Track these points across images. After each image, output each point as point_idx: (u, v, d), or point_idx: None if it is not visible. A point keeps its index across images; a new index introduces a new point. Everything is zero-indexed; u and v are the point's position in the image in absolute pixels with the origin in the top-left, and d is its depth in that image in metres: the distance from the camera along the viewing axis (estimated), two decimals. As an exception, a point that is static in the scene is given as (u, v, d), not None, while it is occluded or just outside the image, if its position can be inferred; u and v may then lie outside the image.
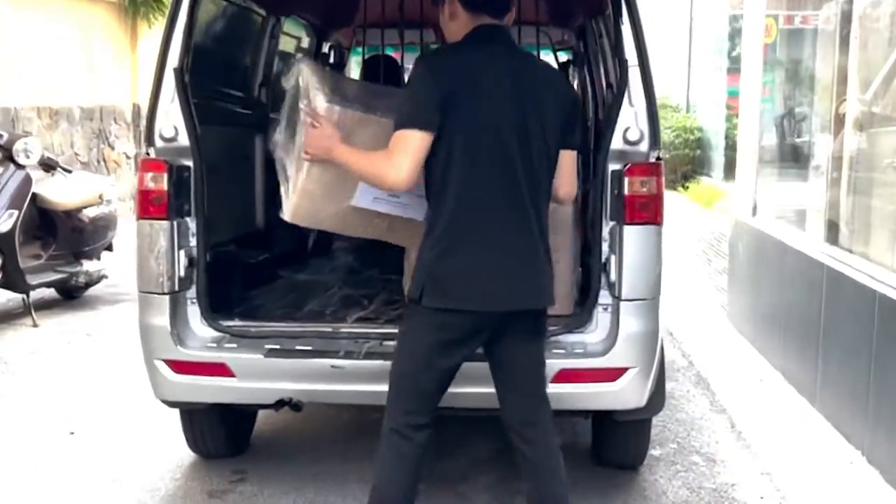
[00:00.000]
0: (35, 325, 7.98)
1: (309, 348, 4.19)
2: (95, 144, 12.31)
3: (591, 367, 4.08)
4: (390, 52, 7.08)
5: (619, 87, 4.14)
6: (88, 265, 8.69)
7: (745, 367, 6.67)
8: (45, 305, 8.71)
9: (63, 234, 8.45)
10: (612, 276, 4.10)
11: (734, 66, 12.72)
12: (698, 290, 9.12)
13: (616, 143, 4.12)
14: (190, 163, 4.23)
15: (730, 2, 13.19)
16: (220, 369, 4.16)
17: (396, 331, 3.86)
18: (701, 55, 15.89)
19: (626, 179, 4.06)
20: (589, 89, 6.60)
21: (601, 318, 4.18)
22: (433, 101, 3.20)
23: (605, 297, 4.17)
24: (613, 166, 4.13)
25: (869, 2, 5.54)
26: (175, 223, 4.17)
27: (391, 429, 3.47)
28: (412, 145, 3.21)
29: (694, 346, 7.27)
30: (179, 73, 4.21)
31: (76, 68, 11.87)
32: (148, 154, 4.26)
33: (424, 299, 3.31)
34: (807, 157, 6.79)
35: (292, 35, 6.53)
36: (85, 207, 8.62)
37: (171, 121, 4.21)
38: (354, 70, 8.33)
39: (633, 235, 4.06)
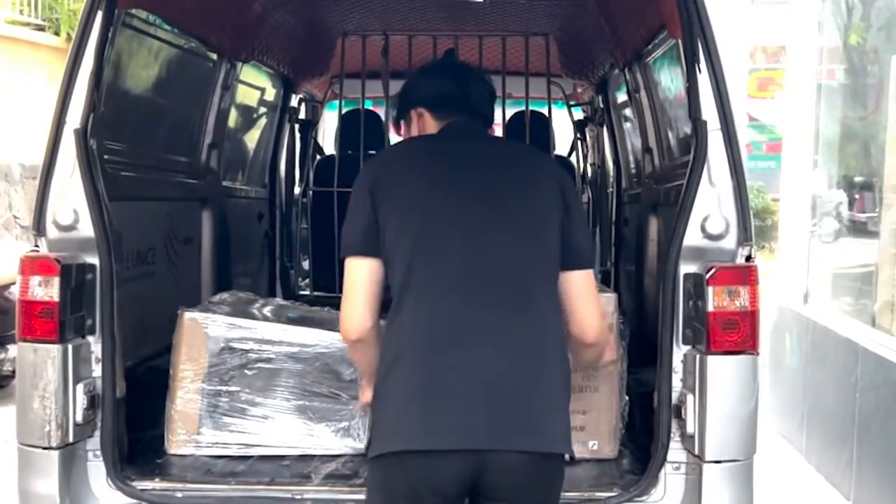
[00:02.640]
0: (-54, 426, 6.74)
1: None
2: (40, 206, 11.10)
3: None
4: (370, 107, 6.00)
5: (696, 160, 2.99)
6: (16, 351, 7.44)
7: (803, 491, 5.54)
8: (-36, 398, 7.48)
9: (-15, 317, 7.30)
10: (690, 426, 2.94)
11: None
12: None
13: (692, 236, 2.99)
14: (95, 260, 3.09)
15: (749, 54, 12.23)
16: (127, 558, 2.93)
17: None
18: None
19: (710, 290, 2.89)
20: (610, 156, 5.53)
21: (672, 481, 3.02)
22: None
23: (677, 453, 2.99)
24: (687, 268, 3.00)
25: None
26: (70, 347, 3.02)
27: None
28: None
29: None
30: (82, 135, 3.07)
31: (15, 120, 10.68)
32: (36, 248, 3.07)
33: (371, 449, 2.54)
34: (873, 232, 5.66)
35: (254, 85, 5.36)
36: (12, 284, 7.38)
37: (70, 202, 3.07)
38: (329, 128, 7.17)
39: (720, 369, 2.92)
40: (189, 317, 3.42)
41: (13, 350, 7.38)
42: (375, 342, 2.56)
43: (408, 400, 2.43)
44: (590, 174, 6.08)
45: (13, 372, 7.52)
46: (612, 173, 5.70)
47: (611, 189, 5.73)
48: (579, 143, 6.11)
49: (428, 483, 2.39)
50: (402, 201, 2.55)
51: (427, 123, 2.79)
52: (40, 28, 11.39)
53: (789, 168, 6.36)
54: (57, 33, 11.42)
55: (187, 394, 3.39)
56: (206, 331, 3.41)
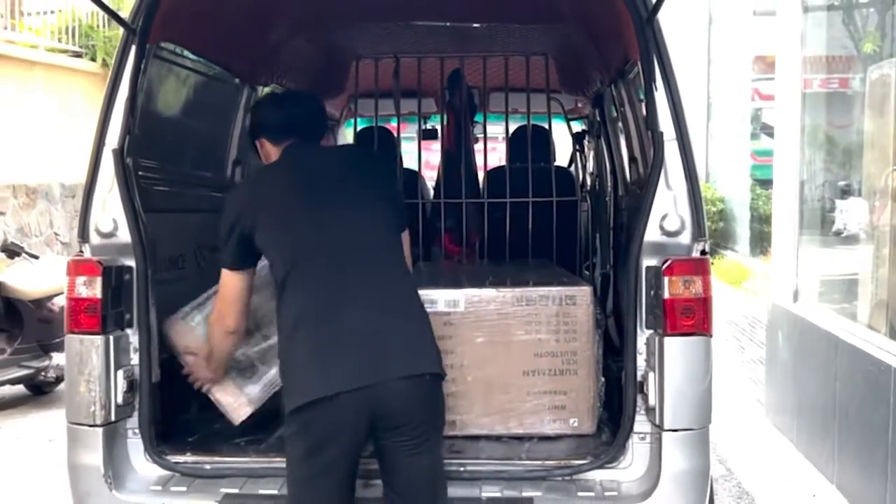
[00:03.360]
0: (-7, 429, 7.23)
1: (275, 492, 3.37)
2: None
3: (627, 514, 3.30)
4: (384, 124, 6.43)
5: (654, 166, 3.39)
6: (59, 358, 7.89)
7: (792, 477, 5.85)
8: (10, 403, 7.98)
9: (30, 326, 7.76)
10: (652, 400, 3.33)
11: (763, 132, 12.06)
12: (731, 381, 8.27)
13: (651, 233, 3.40)
14: (132, 262, 3.51)
15: (753, 64, 12.55)
16: (164, 521, 3.36)
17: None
18: (719, 120, 15.21)
19: (666, 279, 3.29)
20: (607, 163, 5.89)
21: (638, 450, 3.41)
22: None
23: (642, 423, 3.39)
24: (648, 262, 3.41)
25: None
26: (112, 338, 3.46)
27: None
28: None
29: (731, 448, 6.44)
30: (120, 155, 3.52)
31: (56, 143, 11.22)
32: (81, 253, 3.52)
33: (286, 406, 3.02)
34: (854, 235, 6.01)
35: (275, 106, 5.79)
36: (55, 296, 7.89)
37: (110, 212, 3.52)
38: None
39: (676, 349, 3.30)
40: None
41: (57, 357, 7.86)
42: (242, 335, 3.38)
43: (308, 361, 2.99)
44: (588, 183, 6.45)
45: (57, 378, 8.01)
46: (609, 182, 6.07)
47: (608, 197, 6.10)
48: (578, 154, 6.50)
49: (335, 423, 2.94)
50: (274, 215, 3.17)
51: (269, 150, 3.46)
52: (77, 55, 11.92)
53: (780, 175, 6.71)
54: (93, 59, 11.96)
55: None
56: None
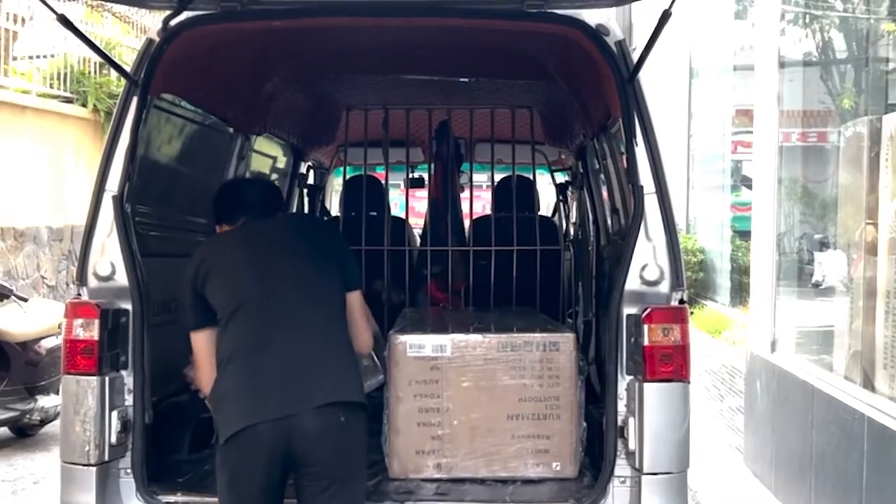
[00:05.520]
0: (-22, 471, 7.22)
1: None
2: (65, 267, 11.63)
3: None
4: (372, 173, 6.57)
5: (635, 218, 3.53)
6: (44, 401, 7.93)
7: (770, 525, 5.91)
8: (-6, 446, 7.94)
9: (16, 368, 7.76)
10: (632, 444, 3.44)
11: (743, 184, 12.32)
12: (710, 430, 8.38)
13: (632, 282, 3.53)
14: (128, 306, 3.61)
15: (731, 118, 12.81)
16: (153, 561, 3.44)
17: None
18: (700, 172, 15.44)
19: (646, 327, 3.42)
20: (589, 214, 6.04)
21: (619, 493, 3.52)
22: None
23: (622, 467, 3.50)
24: (629, 310, 3.53)
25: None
26: (107, 379, 3.55)
27: None
28: None
29: (711, 495, 6.52)
30: (119, 201, 3.63)
31: (44, 187, 11.30)
32: (79, 296, 3.62)
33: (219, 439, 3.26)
34: (830, 287, 6.16)
35: (266, 154, 5.94)
36: (42, 338, 7.93)
37: (108, 256, 3.63)
38: (335, 192, 7.77)
39: (655, 394, 3.43)
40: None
41: (42, 400, 7.89)
42: None
43: (235, 395, 3.22)
44: (571, 233, 6.60)
45: (42, 421, 8.03)
46: (591, 232, 6.23)
47: (590, 246, 6.25)
48: (561, 204, 6.65)
49: (253, 453, 3.13)
50: (222, 268, 3.40)
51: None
52: (68, 100, 12.03)
53: (758, 227, 6.88)
54: (84, 105, 12.06)
55: None
56: None
